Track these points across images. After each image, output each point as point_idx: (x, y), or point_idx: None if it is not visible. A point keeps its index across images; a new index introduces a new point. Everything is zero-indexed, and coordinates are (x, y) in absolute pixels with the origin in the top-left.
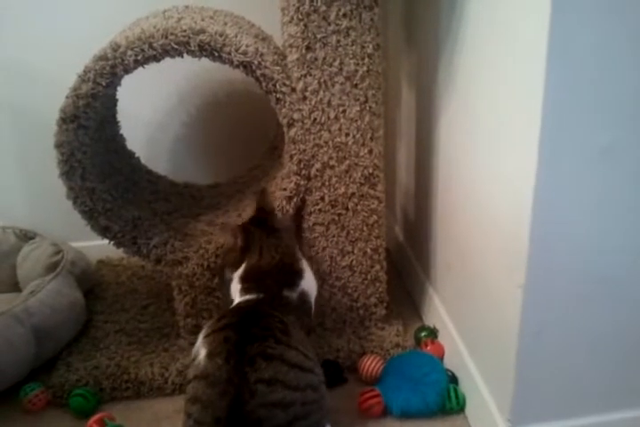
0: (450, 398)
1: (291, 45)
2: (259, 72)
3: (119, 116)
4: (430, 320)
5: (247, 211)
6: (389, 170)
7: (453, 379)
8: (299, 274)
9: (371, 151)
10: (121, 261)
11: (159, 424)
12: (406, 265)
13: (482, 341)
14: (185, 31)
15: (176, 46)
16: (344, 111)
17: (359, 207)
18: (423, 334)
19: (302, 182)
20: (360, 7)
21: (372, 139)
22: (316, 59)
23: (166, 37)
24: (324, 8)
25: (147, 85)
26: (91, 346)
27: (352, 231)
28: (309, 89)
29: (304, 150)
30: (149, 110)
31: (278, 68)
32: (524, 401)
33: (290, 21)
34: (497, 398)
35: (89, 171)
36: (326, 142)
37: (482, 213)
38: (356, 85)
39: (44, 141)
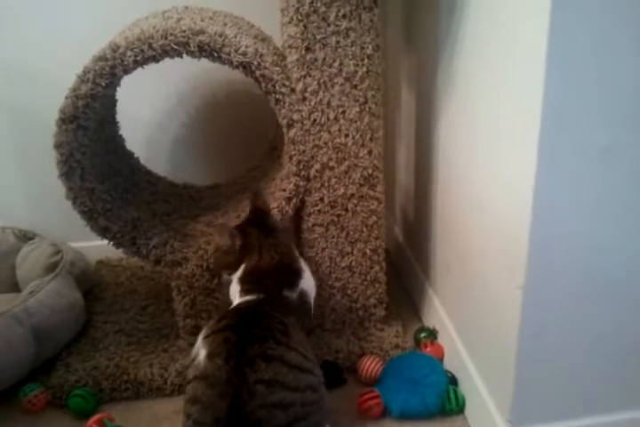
0: (449, 400)
1: (290, 46)
2: (258, 73)
3: (119, 117)
4: (430, 321)
5: (246, 211)
6: (389, 171)
7: (453, 380)
8: (298, 274)
9: (370, 152)
10: (120, 262)
11: (158, 425)
12: (406, 266)
13: (482, 342)
14: (184, 32)
15: (175, 47)
16: (343, 112)
17: (359, 208)
18: (423, 335)
19: (302, 183)
20: (359, 8)
21: (371, 140)
22: (315, 59)
23: (166, 38)
24: (323, 9)
25: (146, 86)
26: (90, 347)
27: (351, 232)
28: (309, 90)
29: (303, 151)
30: (149, 111)
31: (278, 68)
32: (523, 402)
33: (289, 22)
34: (497, 399)
35: (88, 171)
36: (326, 143)
37: (481, 214)
38: (355, 86)
39: (43, 142)
